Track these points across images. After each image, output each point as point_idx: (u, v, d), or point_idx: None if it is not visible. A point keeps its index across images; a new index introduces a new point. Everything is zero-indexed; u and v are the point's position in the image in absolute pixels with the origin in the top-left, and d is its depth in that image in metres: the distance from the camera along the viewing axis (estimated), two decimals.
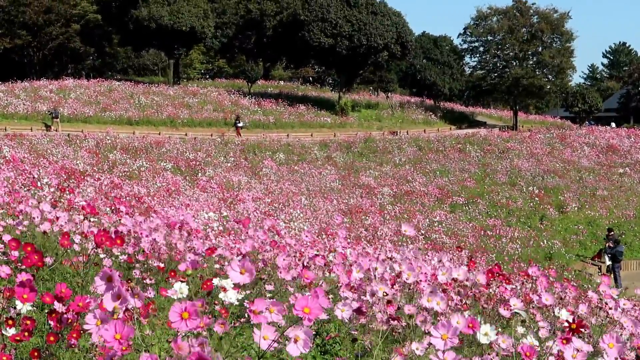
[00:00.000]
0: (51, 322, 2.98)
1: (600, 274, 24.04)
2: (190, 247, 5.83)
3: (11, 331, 2.97)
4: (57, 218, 5.83)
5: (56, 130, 35.70)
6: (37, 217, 5.89)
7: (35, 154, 27.16)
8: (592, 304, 4.74)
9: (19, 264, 3.68)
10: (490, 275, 4.56)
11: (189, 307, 2.40)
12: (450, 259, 4.33)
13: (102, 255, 4.60)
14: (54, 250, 5.56)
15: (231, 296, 2.99)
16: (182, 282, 3.16)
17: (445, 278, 4.24)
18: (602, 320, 4.58)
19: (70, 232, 5.24)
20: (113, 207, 10.04)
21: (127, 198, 17.57)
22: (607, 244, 23.84)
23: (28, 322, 2.93)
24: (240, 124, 41.45)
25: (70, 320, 2.91)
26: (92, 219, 6.22)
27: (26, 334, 2.91)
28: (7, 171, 14.24)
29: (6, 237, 4.83)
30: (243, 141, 39.03)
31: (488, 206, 30.36)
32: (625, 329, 4.33)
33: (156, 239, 5.52)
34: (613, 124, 58.48)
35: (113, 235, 3.30)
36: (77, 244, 5.03)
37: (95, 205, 9.14)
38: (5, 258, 4.72)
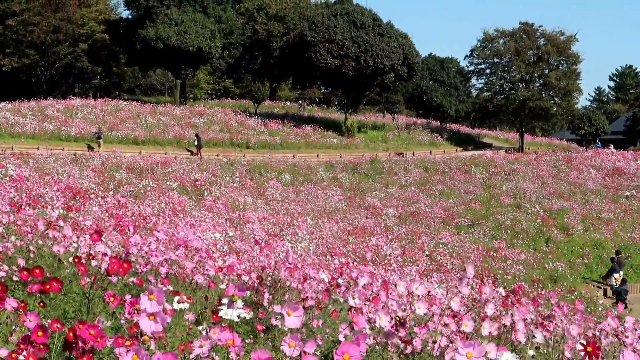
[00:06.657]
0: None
1: (606, 296, 24.00)
2: (199, 267, 5.85)
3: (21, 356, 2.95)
4: (66, 237, 5.87)
5: (99, 152, 36.24)
6: (48, 238, 5.92)
7: (40, 172, 27.21)
8: (607, 331, 4.60)
9: (30, 286, 3.68)
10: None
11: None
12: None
13: (110, 278, 4.63)
14: (64, 270, 5.59)
15: (231, 314, 3.02)
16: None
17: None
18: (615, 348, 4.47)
19: (80, 254, 5.28)
20: (118, 227, 10.09)
21: (133, 217, 17.59)
22: (613, 278, 23.76)
23: (42, 346, 2.91)
24: (196, 143, 41.05)
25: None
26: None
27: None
28: (11, 190, 14.29)
29: (21, 262, 4.88)
30: (249, 161, 39.11)
31: (493, 228, 30.31)
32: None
33: (165, 259, 5.55)
34: (611, 146, 58.16)
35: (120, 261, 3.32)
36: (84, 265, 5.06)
37: (101, 226, 9.20)
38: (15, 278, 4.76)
